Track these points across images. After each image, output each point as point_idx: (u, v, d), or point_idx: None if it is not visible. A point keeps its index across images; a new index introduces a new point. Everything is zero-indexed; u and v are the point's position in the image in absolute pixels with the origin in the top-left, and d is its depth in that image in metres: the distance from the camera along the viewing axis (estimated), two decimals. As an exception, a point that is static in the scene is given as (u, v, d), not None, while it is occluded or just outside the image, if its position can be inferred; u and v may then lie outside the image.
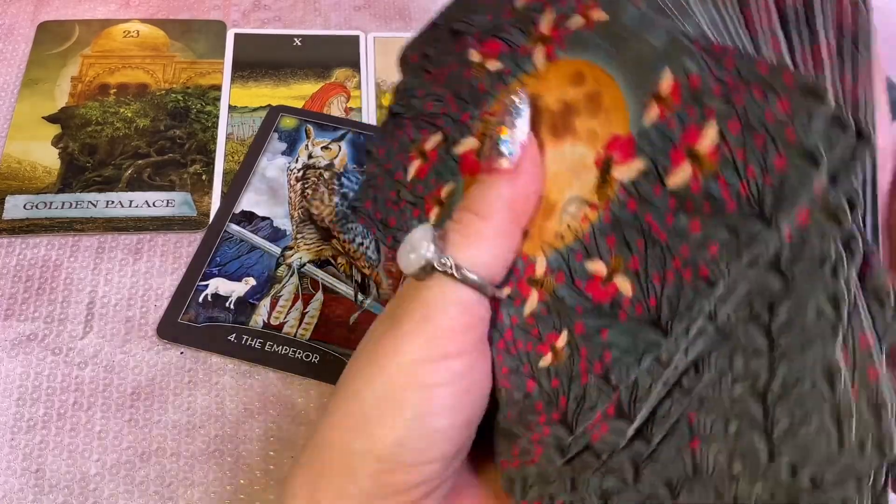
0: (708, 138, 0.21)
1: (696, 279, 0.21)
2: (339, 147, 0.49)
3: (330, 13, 0.57)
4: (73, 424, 0.38)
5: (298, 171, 0.48)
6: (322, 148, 0.49)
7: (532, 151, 0.25)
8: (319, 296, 0.43)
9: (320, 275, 0.44)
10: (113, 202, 0.46)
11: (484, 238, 0.24)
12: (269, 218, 0.46)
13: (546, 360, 0.24)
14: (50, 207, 0.45)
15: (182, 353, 0.41)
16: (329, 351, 0.41)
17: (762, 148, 0.19)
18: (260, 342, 0.41)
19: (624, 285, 0.22)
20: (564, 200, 0.25)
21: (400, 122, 0.31)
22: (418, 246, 0.24)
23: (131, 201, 0.46)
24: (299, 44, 0.55)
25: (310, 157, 0.48)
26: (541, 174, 0.25)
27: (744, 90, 0.20)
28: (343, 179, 0.47)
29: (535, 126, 0.25)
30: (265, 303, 0.42)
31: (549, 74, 0.26)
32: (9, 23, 0.55)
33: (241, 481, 0.37)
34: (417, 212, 0.29)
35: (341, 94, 0.53)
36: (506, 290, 0.26)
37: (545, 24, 0.26)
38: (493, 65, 0.27)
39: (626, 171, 0.23)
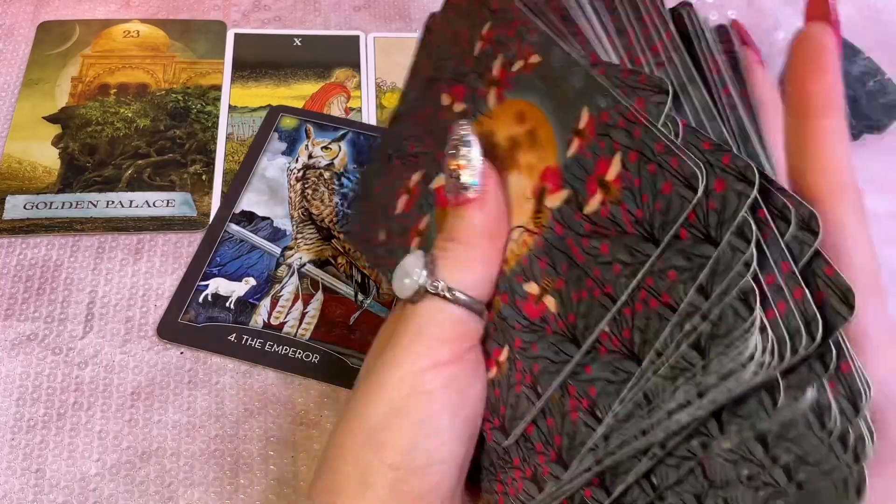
0: (614, 168, 0.23)
1: (601, 296, 0.23)
2: (339, 147, 0.49)
3: (330, 13, 0.57)
4: (73, 424, 0.38)
5: (298, 171, 0.48)
6: (322, 148, 0.49)
7: (491, 176, 0.27)
8: (319, 296, 0.43)
9: (320, 275, 0.44)
10: (113, 202, 0.46)
11: (470, 263, 0.26)
12: (269, 218, 0.46)
13: (491, 374, 0.27)
14: (50, 207, 0.45)
15: (182, 353, 0.41)
16: (329, 351, 0.41)
17: (653, 175, 0.22)
18: (260, 342, 0.41)
19: (550, 303, 0.25)
20: (511, 228, 0.27)
21: (393, 162, 0.34)
22: (411, 272, 0.26)
23: (131, 201, 0.46)
24: (299, 44, 0.55)
25: (310, 157, 0.48)
26: (504, 193, 0.27)
27: (641, 123, 0.22)
28: (343, 179, 0.48)
29: (490, 160, 0.28)
30: (265, 303, 0.42)
31: (499, 114, 0.28)
32: (9, 23, 0.55)
33: (241, 481, 0.37)
34: (401, 240, 0.32)
35: (341, 94, 0.53)
36: None
37: (495, 68, 0.29)
38: (459, 107, 0.30)
39: (554, 200, 0.25)
